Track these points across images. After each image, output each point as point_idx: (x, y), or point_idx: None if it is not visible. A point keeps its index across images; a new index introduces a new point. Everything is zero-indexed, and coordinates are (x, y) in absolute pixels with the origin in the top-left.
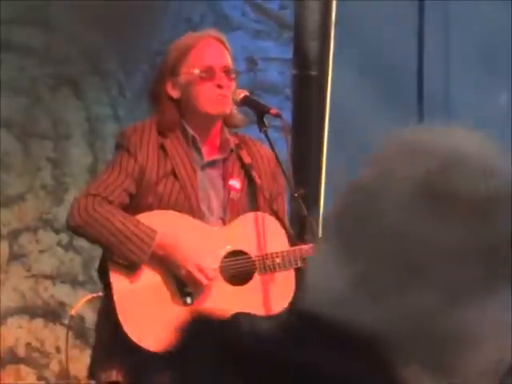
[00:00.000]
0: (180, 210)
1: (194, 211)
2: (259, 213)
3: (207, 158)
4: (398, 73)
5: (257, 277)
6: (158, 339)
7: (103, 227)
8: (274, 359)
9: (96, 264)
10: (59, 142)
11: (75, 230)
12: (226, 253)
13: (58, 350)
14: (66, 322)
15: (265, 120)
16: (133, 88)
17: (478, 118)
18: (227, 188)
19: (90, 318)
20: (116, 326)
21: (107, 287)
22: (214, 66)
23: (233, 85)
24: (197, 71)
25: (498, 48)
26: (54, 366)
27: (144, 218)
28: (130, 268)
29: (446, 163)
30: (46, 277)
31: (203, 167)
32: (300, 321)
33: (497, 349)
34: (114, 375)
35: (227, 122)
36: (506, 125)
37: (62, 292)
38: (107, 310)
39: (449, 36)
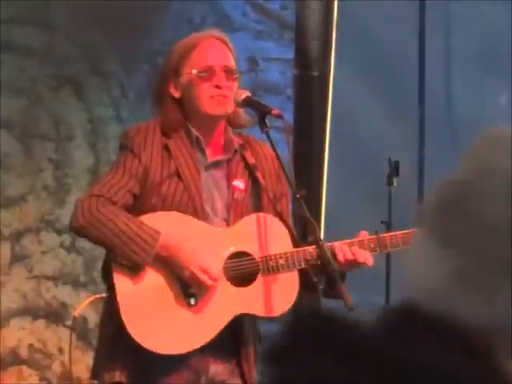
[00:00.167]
0: (184, 211)
1: (198, 212)
2: (263, 214)
3: (211, 159)
4: (398, 73)
5: (260, 278)
6: (161, 340)
7: (107, 228)
8: (378, 354)
9: (98, 265)
10: (61, 143)
11: (78, 230)
12: (230, 254)
13: (60, 351)
14: (68, 323)
15: (266, 121)
16: (134, 89)
17: (478, 118)
18: (231, 188)
19: (93, 319)
20: (119, 327)
21: (111, 288)
22: (215, 66)
23: (234, 85)
24: (195, 71)
25: (498, 48)
26: (57, 367)
27: (147, 219)
28: (134, 269)
29: None
30: (48, 278)
31: (207, 168)
32: (402, 315)
33: None
34: (117, 376)
35: (232, 122)
36: (506, 125)
37: (64, 293)
38: (111, 310)
39: (449, 36)
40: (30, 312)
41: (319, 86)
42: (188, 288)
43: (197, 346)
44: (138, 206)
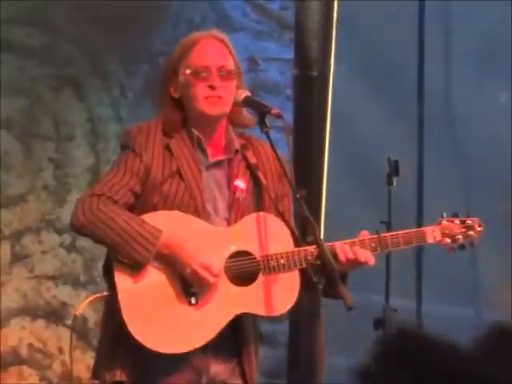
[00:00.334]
0: (185, 210)
1: (200, 211)
2: (263, 213)
3: (212, 159)
4: (398, 73)
5: (261, 277)
6: (162, 339)
7: (108, 227)
8: (478, 377)
9: (98, 265)
10: (61, 143)
11: (79, 229)
12: (231, 253)
13: (60, 350)
14: (68, 322)
15: (266, 120)
16: (134, 88)
17: (477, 118)
18: (232, 188)
19: (92, 318)
20: (120, 326)
21: (112, 287)
22: (211, 66)
23: (231, 85)
24: (188, 71)
25: (498, 48)
26: (57, 367)
27: (149, 218)
28: (135, 268)
29: None
30: (49, 278)
31: (208, 168)
32: (496, 338)
33: None
34: (118, 375)
35: (236, 121)
36: (506, 125)
37: (64, 293)
38: (112, 309)
39: (449, 36)
40: (30, 312)
41: (319, 85)
42: (189, 287)
43: (198, 345)
44: (140, 205)
